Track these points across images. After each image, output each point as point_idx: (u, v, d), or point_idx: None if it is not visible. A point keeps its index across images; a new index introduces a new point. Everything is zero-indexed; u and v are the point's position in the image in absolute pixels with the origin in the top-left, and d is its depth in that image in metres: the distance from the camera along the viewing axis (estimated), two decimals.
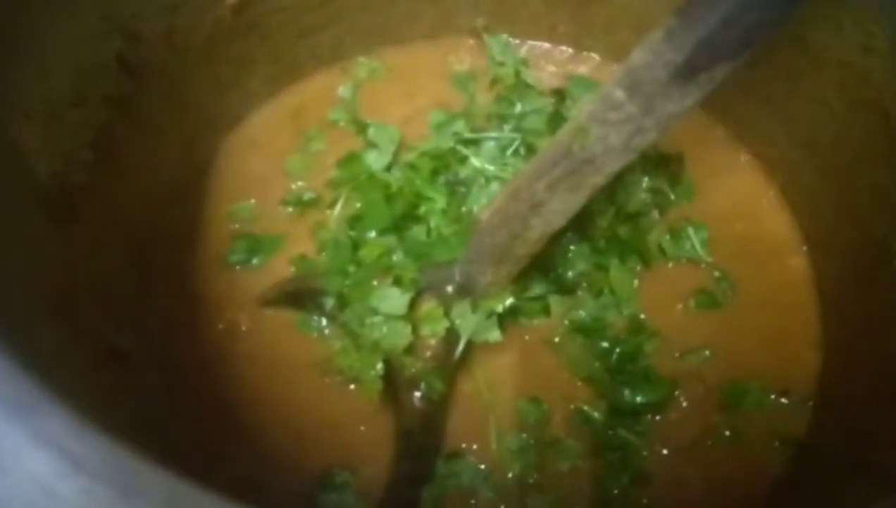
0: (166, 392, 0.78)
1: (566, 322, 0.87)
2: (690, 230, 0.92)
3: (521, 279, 0.86)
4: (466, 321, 0.76)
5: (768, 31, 0.63)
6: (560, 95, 1.02)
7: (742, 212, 0.96)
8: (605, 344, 0.84)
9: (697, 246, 0.92)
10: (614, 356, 0.83)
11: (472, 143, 0.93)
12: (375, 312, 0.75)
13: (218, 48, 0.89)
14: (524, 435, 0.81)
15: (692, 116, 1.03)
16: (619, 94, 0.67)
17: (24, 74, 0.64)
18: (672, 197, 0.95)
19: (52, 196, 0.67)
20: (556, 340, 0.87)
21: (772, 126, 0.95)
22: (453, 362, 0.79)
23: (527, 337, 0.88)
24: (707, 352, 0.85)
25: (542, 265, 0.88)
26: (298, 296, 0.85)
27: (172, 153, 0.90)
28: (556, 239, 0.87)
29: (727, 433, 0.81)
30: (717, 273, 0.90)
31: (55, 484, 0.37)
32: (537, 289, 0.87)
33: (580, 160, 0.70)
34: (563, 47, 1.10)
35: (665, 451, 0.81)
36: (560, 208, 0.73)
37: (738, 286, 0.90)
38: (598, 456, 0.80)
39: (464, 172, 0.92)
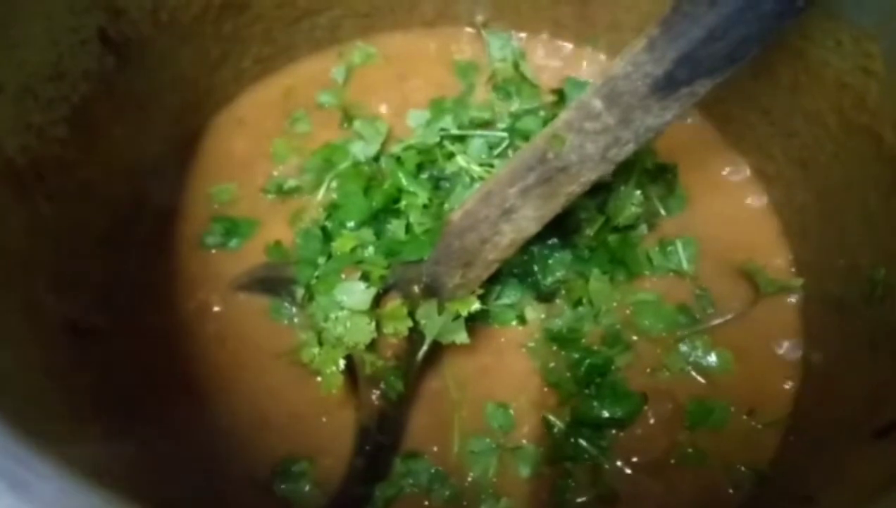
0: (130, 367, 0.78)
1: (542, 330, 0.86)
2: (679, 244, 0.90)
3: (497, 283, 0.85)
4: (432, 322, 0.75)
5: (753, 47, 0.61)
6: (561, 94, 1.00)
7: (733, 228, 0.94)
8: (577, 355, 0.83)
9: (684, 260, 0.90)
10: (583, 368, 0.82)
11: (460, 139, 0.92)
12: (340, 306, 0.74)
13: (207, 27, 0.89)
14: (487, 439, 0.80)
15: (691, 125, 1.01)
16: (597, 103, 0.65)
17: None
18: (663, 211, 0.93)
19: (19, 170, 0.67)
20: (531, 345, 0.86)
21: (770, 141, 0.92)
22: (416, 362, 0.78)
23: (502, 339, 0.87)
24: (677, 368, 0.83)
25: (521, 270, 0.86)
26: (271, 283, 0.85)
27: (156, 130, 0.89)
28: (538, 244, 0.86)
29: (690, 451, 0.79)
30: (698, 290, 0.88)
31: None
32: (513, 293, 0.86)
33: (555, 168, 0.69)
34: (566, 43, 1.08)
35: (626, 466, 0.79)
36: (532, 215, 0.72)
37: (720, 303, 0.88)
38: (557, 465, 0.79)
39: (450, 169, 0.90)
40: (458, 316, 0.76)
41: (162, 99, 0.89)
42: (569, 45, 1.08)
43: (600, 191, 0.86)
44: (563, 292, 0.87)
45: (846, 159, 0.79)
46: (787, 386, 0.83)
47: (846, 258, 0.80)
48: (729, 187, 0.96)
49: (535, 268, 0.87)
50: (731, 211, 0.95)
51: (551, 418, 0.81)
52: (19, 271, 0.65)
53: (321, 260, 0.81)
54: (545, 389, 0.83)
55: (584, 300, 0.86)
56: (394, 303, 0.75)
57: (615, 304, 0.87)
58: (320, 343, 0.76)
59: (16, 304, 0.64)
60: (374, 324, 0.74)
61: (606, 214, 0.87)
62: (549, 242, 0.87)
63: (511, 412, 0.82)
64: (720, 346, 0.84)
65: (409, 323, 0.75)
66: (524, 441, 0.81)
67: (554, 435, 0.80)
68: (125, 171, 0.86)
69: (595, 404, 0.80)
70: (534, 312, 0.87)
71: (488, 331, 0.86)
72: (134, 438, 0.73)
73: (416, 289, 0.76)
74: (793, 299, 0.88)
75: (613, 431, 0.81)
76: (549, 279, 0.86)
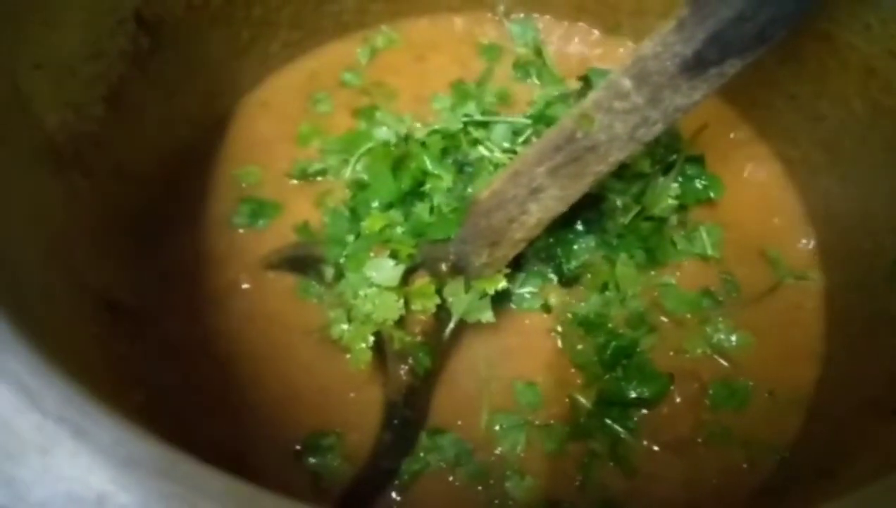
0: (162, 342, 0.80)
1: (569, 315, 0.86)
2: (703, 230, 0.91)
3: (521, 270, 0.86)
4: (459, 299, 0.76)
5: (783, 27, 0.61)
6: (586, 81, 1.00)
7: (758, 213, 0.94)
8: (603, 338, 0.84)
9: (708, 246, 0.90)
10: (609, 350, 0.82)
11: (483, 125, 0.92)
12: (369, 282, 0.76)
13: (238, 10, 0.90)
14: (515, 416, 0.81)
15: (716, 111, 1.02)
16: (626, 83, 0.66)
17: (36, 24, 0.65)
18: (692, 198, 0.93)
19: (58, 146, 0.69)
20: (559, 329, 0.86)
21: (796, 125, 0.92)
22: (444, 339, 0.79)
23: (527, 322, 0.87)
24: (699, 350, 0.84)
25: (545, 254, 0.87)
26: (300, 262, 0.87)
27: (187, 111, 0.91)
28: (563, 229, 0.87)
29: (717, 431, 0.80)
30: (722, 275, 0.89)
31: (12, 419, 0.39)
32: (537, 281, 0.87)
33: (583, 148, 0.69)
34: (591, 30, 1.08)
35: (654, 444, 0.80)
36: (560, 195, 0.73)
37: (744, 287, 0.88)
38: (584, 444, 0.80)
39: (473, 154, 0.91)
40: (484, 295, 0.77)
41: (192, 81, 0.90)
42: (593, 32, 1.08)
43: (638, 180, 0.88)
44: (588, 276, 0.88)
45: (872, 143, 0.80)
46: (809, 367, 0.84)
47: (870, 241, 0.81)
48: (754, 172, 0.96)
49: (559, 252, 0.87)
50: (756, 196, 0.95)
51: (579, 397, 0.82)
52: (59, 246, 0.67)
53: (350, 238, 0.83)
54: (572, 370, 0.84)
55: (611, 285, 0.87)
56: (422, 280, 0.76)
57: (640, 288, 0.87)
58: (349, 320, 0.77)
59: (57, 279, 0.65)
60: (402, 301, 0.75)
61: (643, 203, 0.87)
62: (575, 226, 0.87)
63: (539, 389, 0.83)
64: (743, 328, 0.85)
65: (437, 300, 0.76)
66: (552, 421, 0.81)
67: (581, 414, 0.81)
68: (156, 150, 0.88)
69: (622, 384, 0.81)
70: (557, 297, 0.87)
71: (513, 314, 0.87)
72: (167, 411, 0.74)
73: (443, 267, 0.77)
74: (816, 282, 0.89)
75: (641, 410, 0.81)
76: (573, 263, 0.87)
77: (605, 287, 0.87)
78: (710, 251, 0.90)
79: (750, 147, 0.98)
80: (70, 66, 0.71)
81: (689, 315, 0.86)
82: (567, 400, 0.82)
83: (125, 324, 0.73)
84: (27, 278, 0.55)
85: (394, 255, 0.78)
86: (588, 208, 0.86)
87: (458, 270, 0.78)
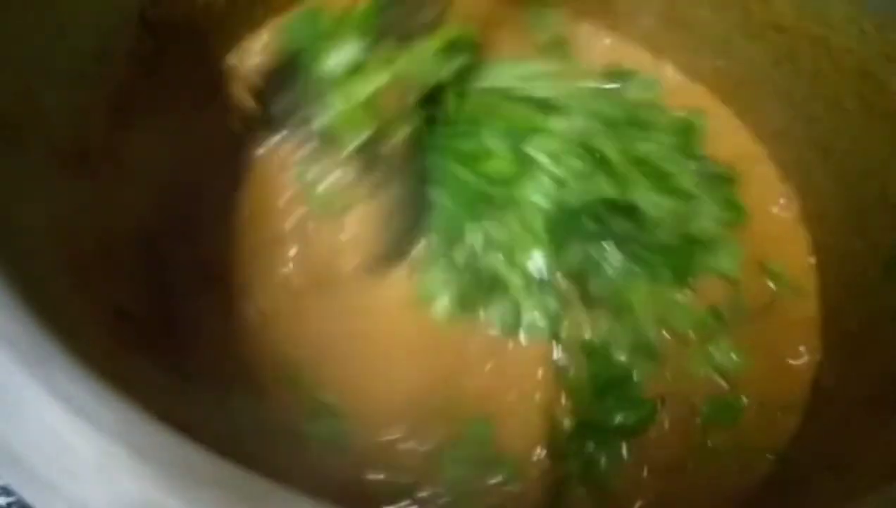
0: (168, 353, 0.80)
1: (576, 341, 0.83)
2: (722, 248, 0.90)
3: (537, 286, 0.84)
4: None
5: None
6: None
7: (753, 215, 0.94)
8: (599, 366, 0.82)
9: (726, 266, 0.89)
10: (602, 380, 0.81)
11: None
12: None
13: (242, 11, 0.90)
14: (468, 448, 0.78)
15: (711, 115, 1.01)
16: None
17: (48, 30, 0.65)
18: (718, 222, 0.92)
19: (66, 151, 0.68)
20: (562, 355, 0.83)
21: (791, 127, 0.94)
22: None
23: (526, 346, 0.84)
24: (701, 371, 0.84)
25: (571, 271, 0.85)
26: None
27: (188, 115, 0.90)
28: (593, 245, 0.85)
29: (708, 446, 0.80)
30: (731, 292, 0.88)
31: (71, 439, 0.39)
32: (553, 302, 0.84)
33: None
34: (584, 24, 1.08)
35: (636, 465, 0.79)
36: None
37: (745, 302, 0.88)
38: (559, 467, 0.78)
39: None
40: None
41: (195, 84, 0.90)
42: (588, 26, 1.07)
43: (673, 197, 0.89)
44: (607, 295, 0.85)
45: (867, 144, 0.82)
46: (803, 372, 0.85)
47: (865, 242, 0.83)
48: (748, 176, 0.96)
49: (586, 269, 0.85)
50: (752, 198, 0.95)
51: (562, 421, 0.80)
52: (69, 254, 0.66)
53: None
54: (561, 393, 0.81)
55: (626, 307, 0.84)
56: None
57: (653, 308, 0.85)
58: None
59: (67, 289, 0.65)
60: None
61: (674, 222, 0.88)
62: (608, 245, 0.86)
63: (492, 428, 0.79)
64: (741, 344, 0.85)
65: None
66: (508, 452, 0.79)
67: (561, 438, 0.79)
68: (158, 157, 0.87)
69: (609, 411, 0.80)
70: (571, 324, 0.84)
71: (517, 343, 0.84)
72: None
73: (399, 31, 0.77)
74: (812, 288, 0.90)
75: (626, 436, 0.80)
76: (599, 281, 0.85)
77: (620, 309, 0.84)
78: (727, 270, 0.89)
79: (744, 150, 0.99)
80: (78, 70, 0.70)
81: (691, 333, 0.85)
82: (548, 424, 0.80)
83: (134, 335, 0.73)
84: (52, 292, 0.55)
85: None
86: (621, 220, 0.86)
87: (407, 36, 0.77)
